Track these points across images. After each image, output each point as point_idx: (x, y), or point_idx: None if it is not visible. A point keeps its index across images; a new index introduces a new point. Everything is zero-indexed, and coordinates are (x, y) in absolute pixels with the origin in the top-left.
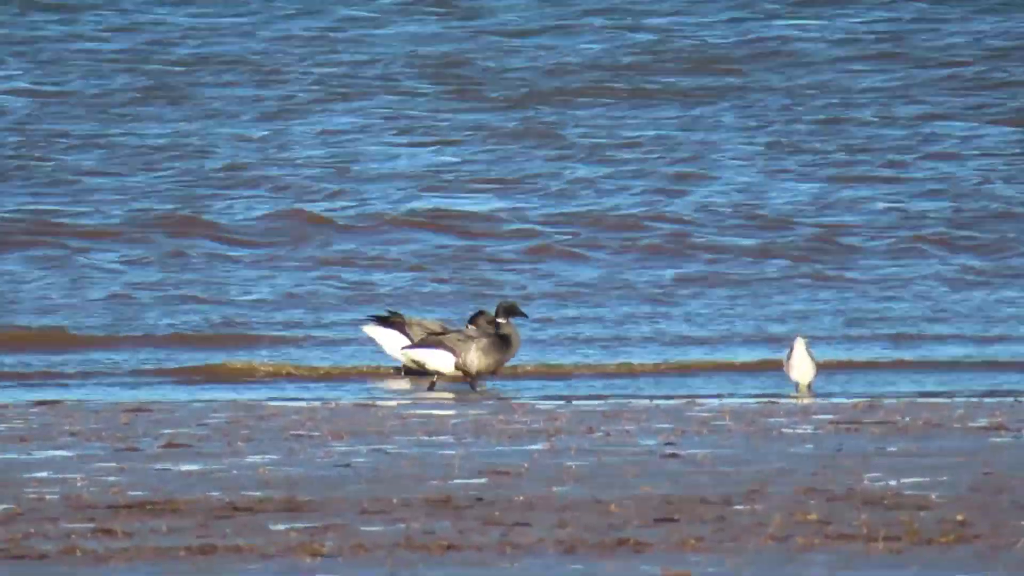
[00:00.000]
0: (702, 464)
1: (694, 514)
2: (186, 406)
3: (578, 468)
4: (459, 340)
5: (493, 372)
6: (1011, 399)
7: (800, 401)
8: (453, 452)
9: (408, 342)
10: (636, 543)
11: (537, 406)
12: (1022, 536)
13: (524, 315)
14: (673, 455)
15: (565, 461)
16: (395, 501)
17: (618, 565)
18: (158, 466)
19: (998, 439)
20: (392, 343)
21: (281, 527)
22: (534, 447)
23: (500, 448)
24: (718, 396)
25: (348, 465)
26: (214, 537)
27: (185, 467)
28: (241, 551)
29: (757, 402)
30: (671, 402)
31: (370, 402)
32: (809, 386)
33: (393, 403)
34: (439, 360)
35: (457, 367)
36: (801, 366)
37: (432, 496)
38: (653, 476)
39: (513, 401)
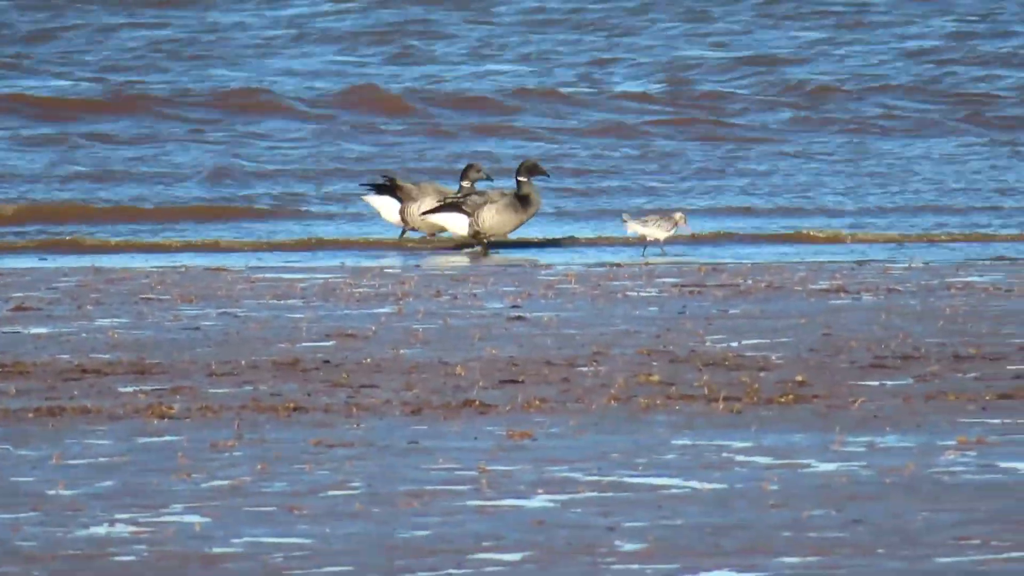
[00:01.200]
0: (547, 327)
1: (538, 376)
2: (37, 271)
3: (425, 331)
4: (476, 203)
5: (507, 233)
6: (853, 263)
7: (645, 264)
8: (301, 315)
9: (398, 206)
10: (481, 404)
11: (386, 270)
12: (859, 396)
13: (546, 174)
14: (519, 318)
15: (412, 324)
16: (243, 363)
17: (463, 426)
18: (6, 329)
19: (837, 301)
20: (390, 209)
21: (129, 389)
22: (382, 310)
23: (348, 311)
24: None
25: (197, 328)
26: (62, 399)
27: (34, 330)
28: (89, 413)
29: (602, 266)
30: (518, 267)
31: (220, 267)
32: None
33: (241, 266)
34: (456, 223)
35: (471, 228)
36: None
37: (280, 359)
38: (499, 339)
39: (363, 264)
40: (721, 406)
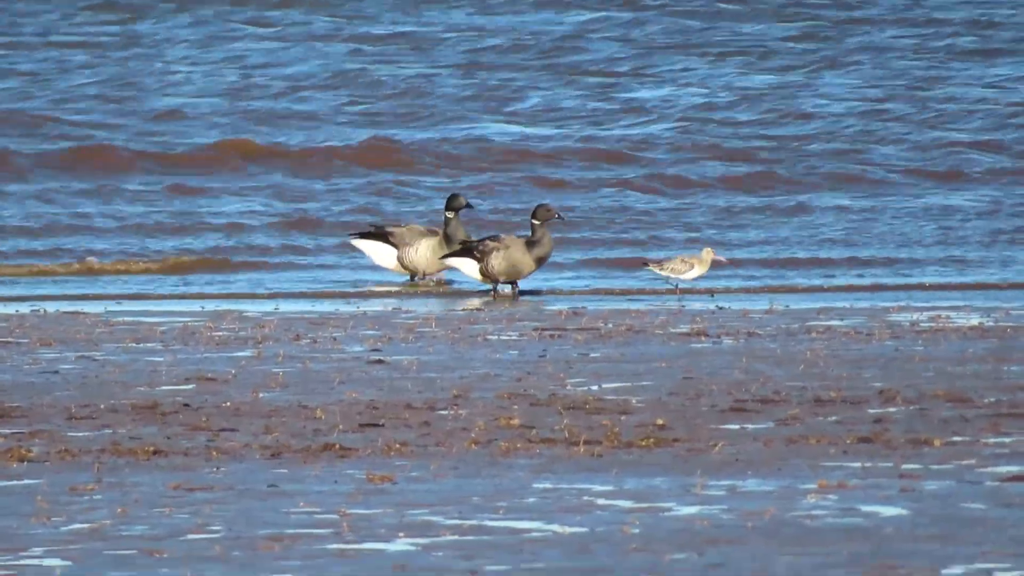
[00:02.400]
0: (407, 370)
1: (399, 419)
2: None
3: (285, 375)
4: (486, 248)
5: (525, 276)
6: (713, 306)
7: (504, 308)
8: (160, 359)
9: (393, 252)
10: (341, 448)
11: (245, 313)
12: (719, 440)
13: (562, 218)
14: (379, 361)
15: (272, 368)
16: (102, 407)
17: (323, 469)
18: None
19: (698, 345)
20: (381, 254)
21: None
22: (241, 354)
23: (208, 355)
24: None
25: (56, 372)
26: None
27: None
28: None
29: (463, 309)
30: (377, 309)
31: (77, 311)
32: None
33: (101, 310)
34: (468, 267)
35: (481, 273)
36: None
37: (139, 402)
38: (359, 382)
39: (223, 308)
40: (582, 450)
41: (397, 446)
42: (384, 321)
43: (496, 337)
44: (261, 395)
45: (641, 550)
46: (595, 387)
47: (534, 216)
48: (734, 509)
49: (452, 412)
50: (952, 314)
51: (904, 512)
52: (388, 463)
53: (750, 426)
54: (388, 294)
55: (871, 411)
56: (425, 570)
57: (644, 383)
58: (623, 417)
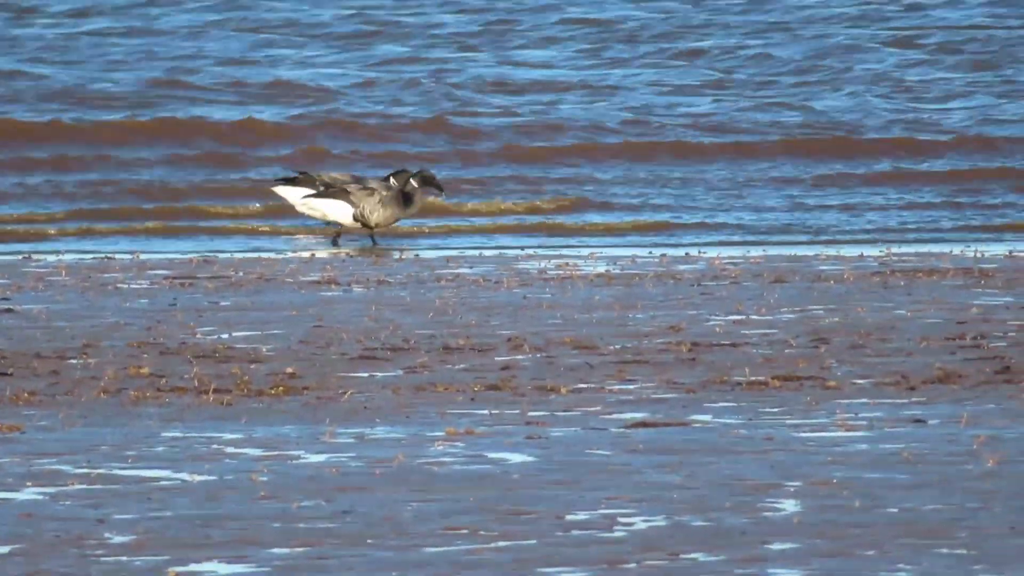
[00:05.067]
0: (37, 319)
1: (28, 369)
2: None
3: None
4: (360, 191)
5: (389, 225)
6: (344, 253)
7: (137, 256)
8: None
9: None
10: None
11: None
12: (349, 388)
13: (440, 190)
14: (8, 310)
15: None
16: None
17: None
18: None
19: (328, 293)
20: (296, 196)
21: None
22: None
23: None
24: (57, 253)
25: None
26: None
27: None
28: None
29: (94, 258)
30: (7, 257)
31: None
32: None
33: None
34: (337, 211)
35: (355, 218)
36: None
37: None
38: None
39: None
40: (211, 398)
41: (25, 395)
42: (13, 270)
43: (126, 286)
44: None
45: (270, 497)
46: (225, 336)
47: (415, 177)
48: (363, 456)
49: (81, 361)
50: (579, 261)
51: (530, 459)
52: (16, 412)
53: (379, 374)
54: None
55: (499, 359)
56: (52, 519)
57: (274, 331)
58: (253, 366)
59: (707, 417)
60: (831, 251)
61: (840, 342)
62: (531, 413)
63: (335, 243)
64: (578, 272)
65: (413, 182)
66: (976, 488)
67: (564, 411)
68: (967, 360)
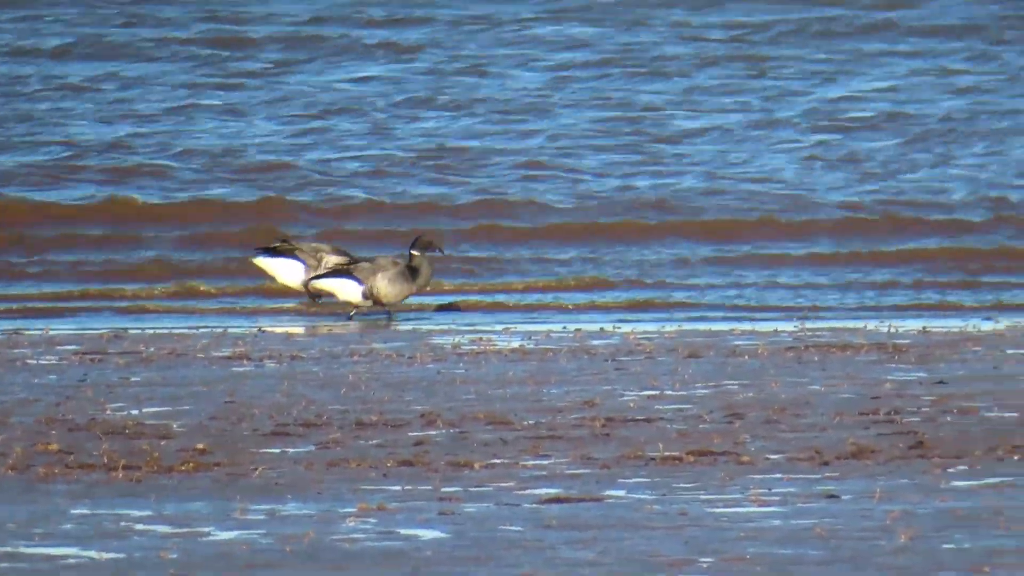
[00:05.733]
0: None
1: None
2: None
3: None
4: (367, 269)
5: (400, 301)
6: (256, 330)
7: (47, 332)
8: None
9: (303, 269)
10: None
11: None
12: (260, 464)
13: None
14: None
15: None
16: None
17: None
18: None
19: (240, 368)
20: (287, 272)
21: None
22: None
23: None
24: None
25: None
26: None
27: None
28: None
29: (2, 332)
30: None
31: None
32: None
33: None
34: (348, 289)
35: (365, 296)
36: None
37: None
38: None
39: None
40: (121, 475)
41: None
42: None
43: (35, 361)
44: None
45: (178, 575)
46: (135, 411)
47: (414, 245)
48: (273, 533)
49: None
50: (494, 336)
51: (443, 535)
52: None
53: (291, 450)
54: None
55: (412, 434)
56: None
57: (185, 407)
58: (163, 442)
59: (621, 492)
60: (745, 326)
61: (754, 417)
62: (444, 489)
63: (350, 318)
64: (492, 347)
65: (414, 251)
66: (889, 564)
67: (477, 487)
68: (881, 435)
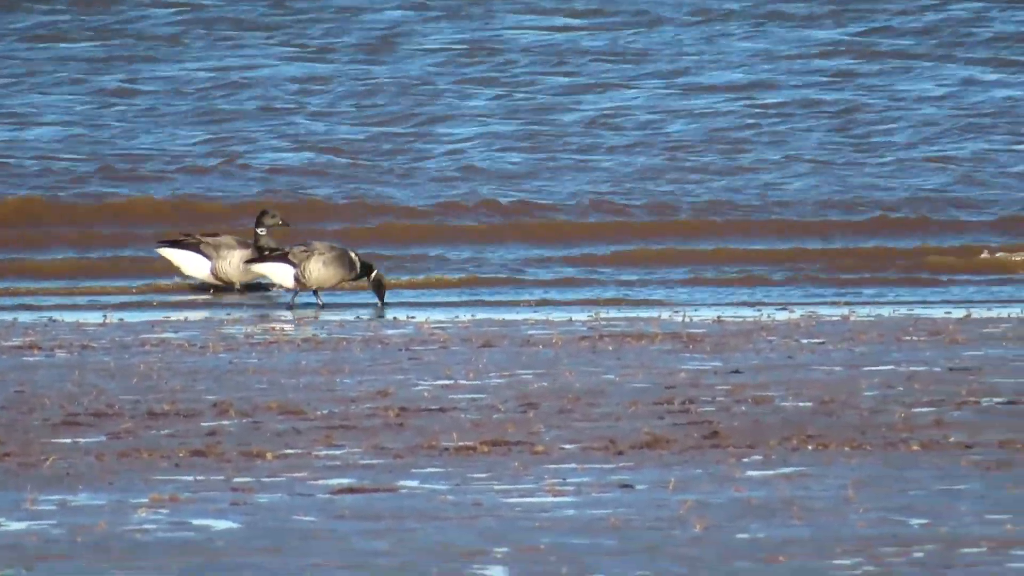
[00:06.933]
0: None
1: None
2: None
3: None
4: (301, 252)
5: (335, 287)
6: (46, 319)
7: None
8: None
9: (206, 261)
10: None
11: None
12: (51, 454)
13: (382, 303)
14: None
15: None
16: None
17: None
18: None
19: (30, 358)
20: (193, 263)
21: None
22: None
23: None
24: None
25: None
26: None
27: None
28: None
29: None
30: None
31: None
32: None
33: None
34: (282, 273)
35: (296, 279)
36: None
37: None
38: None
39: None
40: None
41: None
42: None
43: None
44: None
45: None
46: None
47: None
48: (64, 524)
49: None
50: (287, 326)
51: (235, 525)
52: None
53: (82, 440)
54: None
55: (204, 424)
56: None
57: None
58: None
59: (415, 483)
60: (540, 315)
61: (549, 407)
62: (237, 479)
63: (290, 307)
64: (285, 336)
65: (368, 269)
66: (683, 554)
67: (270, 477)
68: (675, 425)
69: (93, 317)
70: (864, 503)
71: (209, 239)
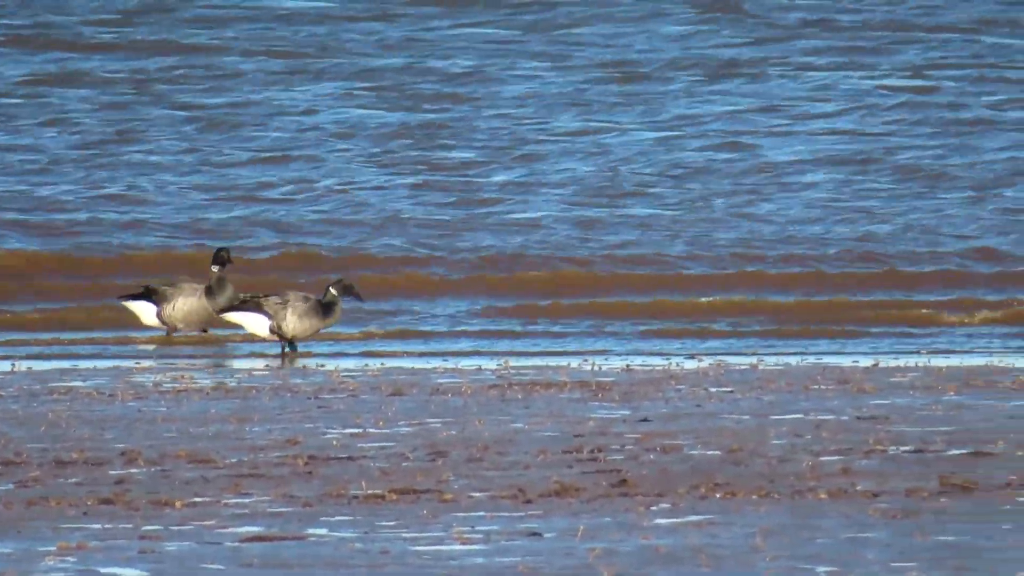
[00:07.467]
0: None
1: None
2: None
3: None
4: (276, 304)
5: (310, 337)
6: None
7: None
8: None
9: (155, 309)
10: None
11: None
12: None
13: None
14: None
15: None
16: None
17: None
18: None
19: None
20: (150, 313)
21: None
22: None
23: None
24: None
25: None
26: None
27: None
28: None
29: None
30: None
31: None
32: None
33: None
34: (255, 323)
35: (271, 330)
36: None
37: None
38: None
39: None
40: None
41: None
42: None
43: None
44: None
45: None
46: None
47: (334, 285)
48: None
49: None
50: (196, 375)
51: (144, 574)
52: None
53: None
54: None
55: (113, 472)
56: None
57: None
58: None
59: (323, 531)
60: (449, 364)
61: (458, 455)
62: (145, 527)
63: (283, 358)
64: (194, 385)
65: (333, 291)
66: None
67: (179, 525)
68: (584, 473)
69: (1, 366)
70: (772, 551)
71: (163, 287)
